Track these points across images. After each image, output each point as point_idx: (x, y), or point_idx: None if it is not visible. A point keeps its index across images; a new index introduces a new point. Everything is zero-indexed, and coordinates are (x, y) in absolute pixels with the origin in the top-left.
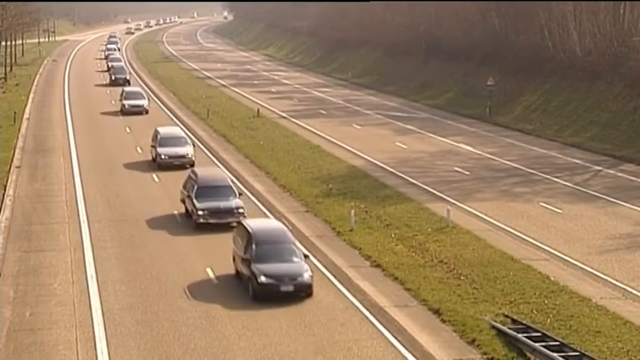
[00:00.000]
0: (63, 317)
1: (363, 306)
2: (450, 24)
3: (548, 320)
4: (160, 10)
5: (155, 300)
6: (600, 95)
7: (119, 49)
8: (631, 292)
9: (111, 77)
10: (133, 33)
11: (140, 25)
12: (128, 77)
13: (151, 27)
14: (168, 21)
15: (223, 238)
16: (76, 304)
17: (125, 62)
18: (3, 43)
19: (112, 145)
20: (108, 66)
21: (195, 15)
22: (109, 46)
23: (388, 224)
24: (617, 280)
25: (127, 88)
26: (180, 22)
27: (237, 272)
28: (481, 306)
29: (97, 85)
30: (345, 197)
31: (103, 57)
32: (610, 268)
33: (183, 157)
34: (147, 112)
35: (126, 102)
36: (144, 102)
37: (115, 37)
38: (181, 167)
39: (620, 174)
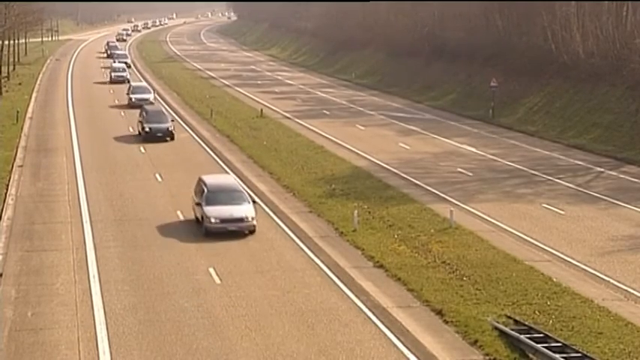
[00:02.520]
0: (65, 317)
1: (366, 307)
2: (453, 25)
3: (551, 321)
4: (163, 9)
5: (158, 300)
6: (603, 97)
7: (130, 66)
8: (633, 294)
9: (143, 128)
10: (125, 40)
11: (128, 29)
12: (171, 127)
13: (139, 31)
14: (157, 23)
15: (227, 239)
16: (78, 304)
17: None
18: (6, 42)
19: (115, 144)
20: (131, 100)
21: (175, 16)
22: (117, 64)
23: (391, 225)
24: (619, 282)
25: (212, 180)
26: (184, 23)
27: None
28: (484, 307)
29: (118, 139)
30: (349, 198)
31: (108, 80)
32: (612, 270)
33: None
34: (252, 233)
35: (210, 211)
36: (247, 210)
37: (118, 47)
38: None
39: (622, 176)
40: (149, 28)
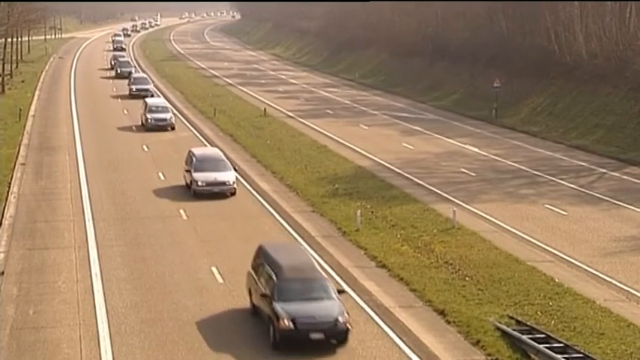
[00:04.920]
0: (67, 315)
1: (369, 306)
2: (456, 25)
3: (553, 322)
4: (164, 9)
5: (159, 299)
6: (606, 98)
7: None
8: (635, 295)
9: (276, 321)
10: (124, 49)
11: (121, 35)
12: (344, 321)
13: (129, 35)
14: (147, 25)
15: (229, 239)
16: (80, 302)
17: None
18: (9, 40)
19: (118, 143)
20: (196, 184)
21: (159, 16)
22: (154, 100)
23: (394, 225)
24: (621, 283)
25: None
26: (188, 22)
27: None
28: (486, 307)
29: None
30: (352, 197)
31: (141, 123)
32: (614, 270)
33: None
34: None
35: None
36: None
37: (130, 64)
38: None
39: (624, 177)
40: (138, 32)
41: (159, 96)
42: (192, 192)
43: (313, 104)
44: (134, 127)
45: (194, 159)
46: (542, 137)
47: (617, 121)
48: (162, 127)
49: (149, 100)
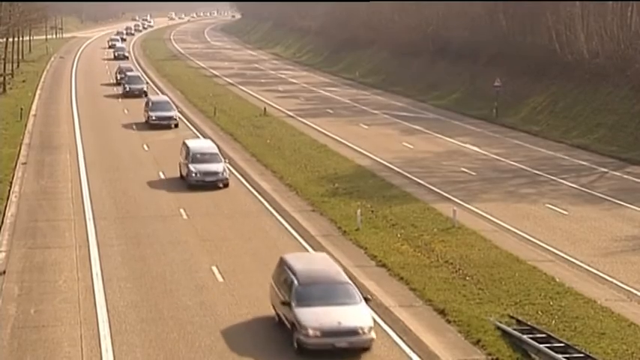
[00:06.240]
0: (68, 314)
1: (368, 305)
2: (457, 25)
3: (553, 321)
4: (164, 9)
5: (160, 298)
6: (607, 97)
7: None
8: (636, 294)
9: None
10: (127, 57)
11: (118, 39)
12: None
13: (125, 39)
14: (140, 27)
15: (229, 238)
16: (81, 301)
17: None
18: (10, 40)
19: (118, 142)
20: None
21: (149, 16)
22: (204, 144)
23: (394, 224)
24: (622, 282)
25: None
26: (188, 21)
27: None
28: (486, 307)
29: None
30: (352, 197)
31: (180, 173)
32: (615, 270)
33: None
34: None
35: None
36: None
37: (140, 79)
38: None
39: (625, 176)
40: (132, 34)
41: (198, 137)
42: (295, 343)
43: (313, 103)
44: (135, 126)
45: (295, 281)
46: (543, 136)
47: (618, 120)
48: (211, 183)
49: (192, 144)
